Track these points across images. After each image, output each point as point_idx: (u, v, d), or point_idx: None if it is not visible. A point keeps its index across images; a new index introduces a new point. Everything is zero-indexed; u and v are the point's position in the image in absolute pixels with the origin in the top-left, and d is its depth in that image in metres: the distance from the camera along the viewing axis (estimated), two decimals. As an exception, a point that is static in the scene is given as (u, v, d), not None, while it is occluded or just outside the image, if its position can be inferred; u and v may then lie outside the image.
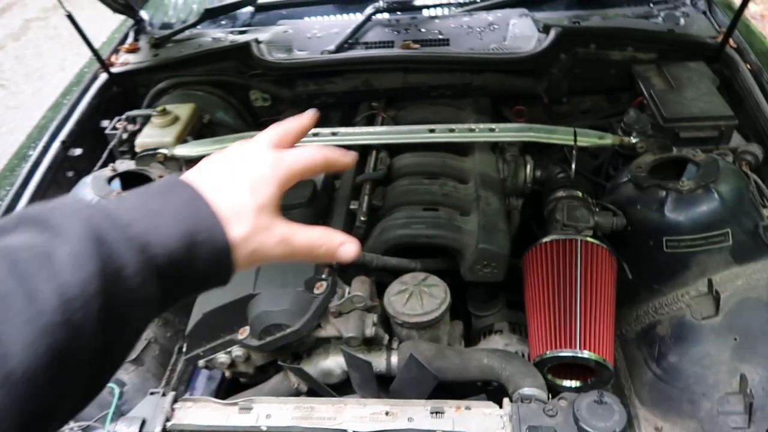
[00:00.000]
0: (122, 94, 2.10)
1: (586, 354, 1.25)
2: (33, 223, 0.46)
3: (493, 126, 1.55)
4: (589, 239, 1.39)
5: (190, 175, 0.57)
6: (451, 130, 1.54)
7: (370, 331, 1.28)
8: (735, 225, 1.39)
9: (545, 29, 1.86)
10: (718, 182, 1.41)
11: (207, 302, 1.38)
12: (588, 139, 1.52)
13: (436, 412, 1.13)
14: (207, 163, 0.60)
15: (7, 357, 0.39)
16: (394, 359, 1.32)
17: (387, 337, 1.32)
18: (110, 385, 1.44)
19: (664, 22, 1.97)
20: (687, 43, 1.86)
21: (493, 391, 1.34)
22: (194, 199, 0.53)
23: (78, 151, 1.83)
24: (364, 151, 1.67)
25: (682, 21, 1.96)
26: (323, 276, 1.33)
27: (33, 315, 0.41)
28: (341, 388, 1.40)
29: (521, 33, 1.89)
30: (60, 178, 1.77)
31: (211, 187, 0.54)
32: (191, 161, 1.75)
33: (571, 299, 1.31)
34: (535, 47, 1.82)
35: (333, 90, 1.88)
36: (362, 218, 1.44)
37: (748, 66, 1.76)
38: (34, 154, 1.75)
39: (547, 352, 1.27)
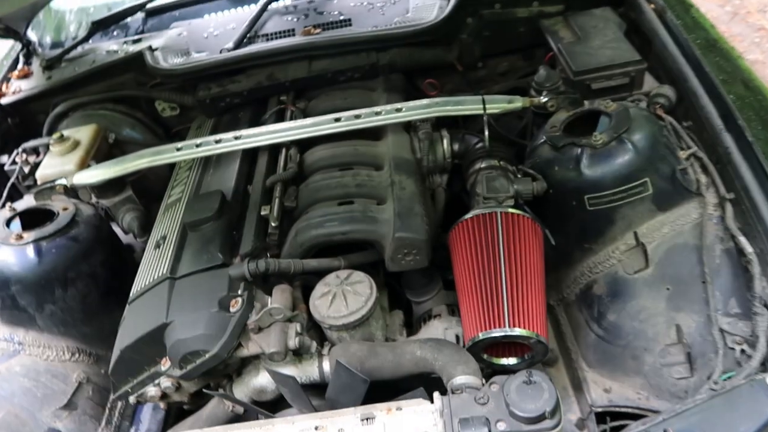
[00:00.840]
0: (20, 124, 1.97)
1: (517, 331, 1.21)
2: None
3: (399, 106, 1.48)
4: (510, 210, 1.35)
5: None
6: (357, 117, 1.48)
7: (293, 342, 1.22)
8: (653, 173, 1.36)
9: (446, -5, 1.79)
10: (630, 131, 1.37)
11: (124, 337, 1.30)
12: (497, 105, 1.47)
13: (367, 419, 1.08)
14: None
15: None
16: (327, 365, 1.27)
17: (314, 344, 1.26)
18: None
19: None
20: (590, -11, 1.81)
21: (438, 380, 1.31)
22: None
23: (-28, 195, 1.71)
24: (274, 150, 1.59)
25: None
26: (238, 292, 1.27)
27: None
28: (282, 402, 1.35)
29: (423, 2, 1.82)
30: (-43, 226, 1.65)
31: None
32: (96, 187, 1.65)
33: (496, 276, 1.26)
34: (437, 15, 1.75)
35: (237, 89, 1.79)
36: (273, 224, 1.37)
37: (652, 6, 1.71)
38: (-76, 206, 1.63)
39: (479, 335, 1.23)
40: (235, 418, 1.32)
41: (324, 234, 1.33)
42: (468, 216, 1.37)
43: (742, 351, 1.21)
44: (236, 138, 1.48)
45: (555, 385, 1.00)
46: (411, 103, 1.49)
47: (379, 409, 1.10)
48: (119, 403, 1.59)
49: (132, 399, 1.36)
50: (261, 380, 1.29)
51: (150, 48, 1.85)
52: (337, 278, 1.31)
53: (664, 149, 1.39)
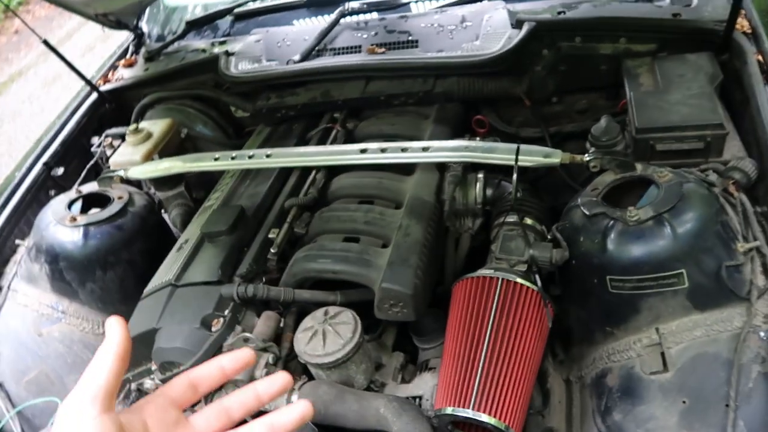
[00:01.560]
0: (116, 110, 2.16)
1: (484, 418, 1.11)
2: None
3: (426, 145, 1.41)
4: (513, 278, 1.23)
5: None
6: (383, 150, 1.42)
7: (260, 373, 1.22)
8: (692, 265, 1.16)
9: (518, 24, 1.66)
10: (675, 212, 1.18)
11: (132, 330, 1.40)
12: (531, 158, 1.33)
13: (299, 472, 1.06)
14: None
15: None
16: (295, 400, 1.26)
17: (285, 378, 1.26)
18: (53, 398, 1.52)
19: (672, 4, 1.68)
20: (688, 30, 1.57)
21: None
22: None
23: (60, 171, 1.92)
24: (306, 171, 1.60)
25: (695, 1, 1.66)
26: (225, 312, 1.29)
27: None
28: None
29: (494, 30, 1.70)
30: (42, 198, 1.86)
31: None
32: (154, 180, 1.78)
33: (476, 349, 1.17)
34: (503, 46, 1.63)
35: (292, 103, 1.81)
36: (272, 249, 1.37)
37: (759, 57, 1.45)
38: (18, 176, 1.86)
39: (447, 408, 1.15)
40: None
41: (315, 269, 1.31)
42: (470, 275, 1.27)
43: (756, 500, 1.01)
44: (267, 156, 1.50)
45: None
46: (439, 143, 1.41)
47: (313, 465, 1.07)
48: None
49: (133, 386, 1.47)
50: (235, 400, 1.32)
51: (227, 52, 1.93)
52: (324, 315, 1.29)
53: (714, 239, 1.18)
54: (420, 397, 1.33)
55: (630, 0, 1.71)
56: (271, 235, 1.41)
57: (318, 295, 1.35)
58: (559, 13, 1.69)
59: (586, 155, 1.33)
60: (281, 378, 0.67)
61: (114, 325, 0.60)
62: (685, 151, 1.38)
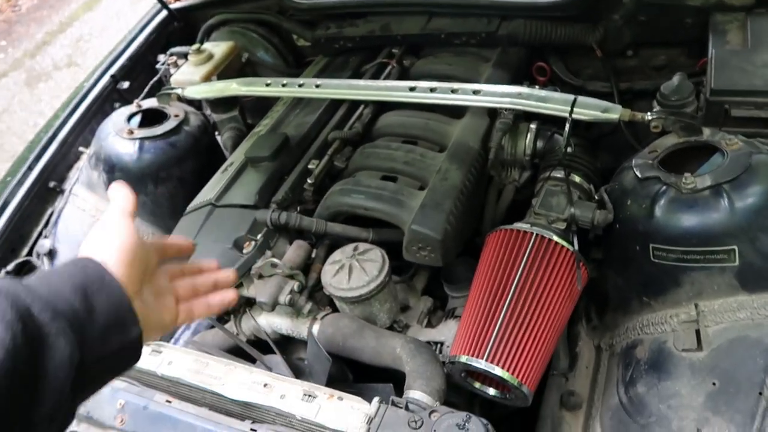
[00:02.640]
0: (184, 28, 2.19)
1: (497, 371, 1.09)
2: None
3: (477, 88, 1.34)
4: (548, 234, 1.18)
5: (82, 252, 0.69)
6: (432, 90, 1.37)
7: (284, 298, 1.25)
8: (746, 242, 1.07)
9: (599, -35, 1.52)
10: (736, 184, 1.08)
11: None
12: (587, 111, 1.25)
13: (308, 396, 1.09)
14: (88, 240, 0.71)
15: None
16: (316, 329, 1.29)
17: (309, 306, 1.28)
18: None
19: (782, -47, 1.49)
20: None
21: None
22: (85, 264, 0.65)
23: (126, 84, 1.98)
24: (354, 104, 1.57)
25: (808, -48, 1.46)
26: (257, 236, 1.32)
27: None
28: (284, 343, 1.42)
29: (572, -29, 1.57)
30: (107, 109, 1.94)
31: (97, 255, 0.67)
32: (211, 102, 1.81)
33: (499, 302, 1.14)
34: (577, -10, 1.51)
35: (350, 34, 1.76)
36: (309, 180, 1.37)
37: None
38: (86, 87, 1.93)
39: (461, 357, 1.13)
40: (238, 348, 1.42)
41: (348, 204, 1.31)
42: (505, 227, 1.23)
43: (777, 493, 0.96)
44: (316, 86, 1.49)
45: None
46: (492, 88, 1.34)
47: (322, 392, 1.10)
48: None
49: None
50: (261, 321, 1.36)
51: (293, -22, 1.89)
52: (353, 250, 1.30)
53: (777, 217, 1.08)
54: (441, 344, 1.33)
55: (731, -54, 1.52)
56: (310, 166, 1.41)
57: (350, 230, 1.35)
58: (646, -46, 1.54)
59: (649, 114, 1.23)
60: (232, 273, 0.86)
61: (116, 188, 0.75)
62: (764, 119, 1.25)
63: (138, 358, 0.69)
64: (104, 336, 0.63)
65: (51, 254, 1.73)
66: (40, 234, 1.76)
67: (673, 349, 1.16)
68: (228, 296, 0.83)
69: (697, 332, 1.11)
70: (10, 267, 1.67)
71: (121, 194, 0.75)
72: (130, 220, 0.72)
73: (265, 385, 1.13)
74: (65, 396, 0.58)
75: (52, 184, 1.80)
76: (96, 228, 0.72)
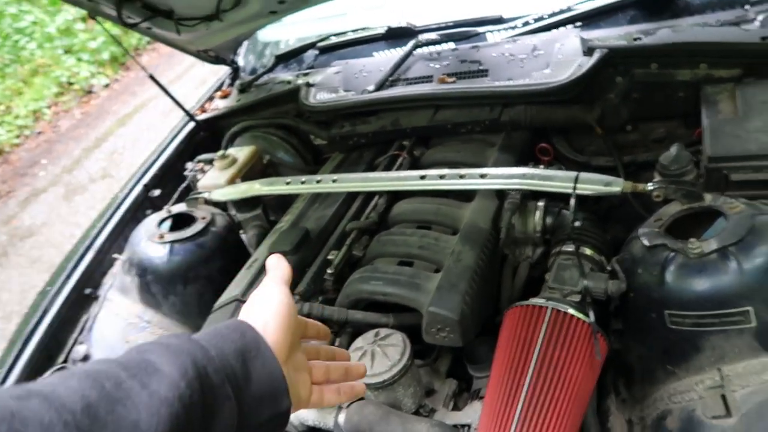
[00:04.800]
0: (210, 137, 2.35)
1: (524, 451, 1.09)
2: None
3: (484, 172, 1.42)
4: (565, 308, 1.20)
5: (242, 315, 0.74)
6: (442, 177, 1.45)
7: (310, 388, 1.27)
8: (760, 302, 1.08)
9: (589, 51, 1.63)
10: (742, 246, 1.11)
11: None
12: (590, 186, 1.30)
13: (336, 486, 1.09)
14: (248, 304, 0.76)
15: (139, 423, 0.53)
16: (342, 419, 1.30)
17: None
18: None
19: (762, 27, 1.58)
20: (775, 54, 1.48)
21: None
22: (244, 329, 0.68)
23: (157, 192, 2.12)
24: (369, 196, 1.66)
25: (788, 23, 1.56)
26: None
27: (152, 393, 0.55)
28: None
29: (565, 58, 1.68)
30: (140, 216, 2.06)
31: (254, 320, 0.71)
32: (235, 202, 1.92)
33: (520, 380, 1.15)
34: (572, 74, 1.61)
35: (364, 131, 1.88)
36: (329, 270, 1.43)
37: None
38: (120, 196, 2.07)
39: (488, 438, 1.13)
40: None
41: (367, 291, 1.35)
42: (521, 303, 1.26)
43: None
44: (333, 181, 1.58)
45: None
46: (497, 171, 1.41)
47: (351, 481, 1.10)
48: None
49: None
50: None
51: (308, 83, 2.05)
52: (374, 336, 1.33)
53: (787, 275, 1.09)
54: (468, 426, 1.32)
55: (713, 24, 1.63)
56: (330, 257, 1.47)
57: (370, 317, 1.38)
58: (635, 39, 1.65)
59: (650, 184, 1.28)
60: (362, 366, 0.89)
61: (275, 257, 0.82)
62: (763, 181, 1.29)
63: (284, 429, 0.71)
64: (258, 405, 0.64)
65: (85, 360, 1.79)
66: (75, 340, 1.83)
67: (702, 417, 1.13)
68: (358, 388, 0.85)
69: (723, 397, 1.09)
70: (46, 375, 1.73)
71: (279, 264, 0.80)
72: (286, 288, 0.76)
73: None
74: None
75: (87, 291, 1.89)
76: (255, 294, 0.76)
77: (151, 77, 2.11)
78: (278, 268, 0.80)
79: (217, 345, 0.64)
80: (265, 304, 0.73)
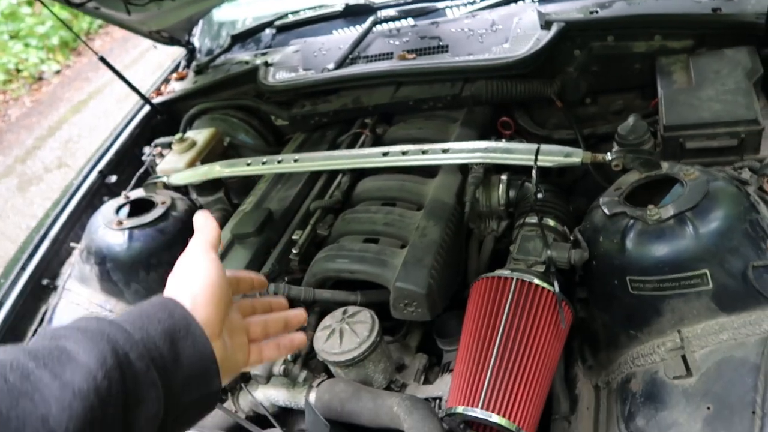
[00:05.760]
0: (168, 121, 2.29)
1: (495, 418, 1.10)
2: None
3: (446, 147, 1.42)
4: (534, 280, 1.21)
5: (169, 290, 0.69)
6: (404, 153, 1.44)
7: (278, 369, 1.26)
8: (716, 265, 1.11)
9: (546, 25, 1.64)
10: (698, 210, 1.13)
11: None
12: (551, 157, 1.32)
13: (308, 465, 1.09)
14: (175, 276, 0.71)
15: (48, 418, 0.48)
16: (313, 397, 1.29)
17: (304, 374, 1.29)
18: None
19: (713, -1, 1.62)
20: (728, 25, 1.51)
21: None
22: (171, 308, 0.64)
23: (113, 179, 2.05)
24: (333, 174, 1.64)
25: (738, -6, 1.59)
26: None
27: (64, 384, 0.50)
28: (284, 415, 1.42)
29: (523, 32, 1.69)
30: (96, 203, 2.00)
31: (182, 295, 0.66)
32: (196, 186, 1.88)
33: (488, 349, 1.16)
34: (530, 48, 1.61)
35: (325, 110, 1.86)
36: (294, 250, 1.41)
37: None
38: (75, 183, 2.00)
39: (458, 408, 1.14)
40: (238, 426, 1.42)
41: (333, 269, 1.34)
42: (486, 275, 1.27)
43: None
44: (295, 161, 1.56)
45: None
46: (459, 145, 1.42)
47: (321, 459, 1.10)
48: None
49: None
50: (258, 395, 1.37)
51: (266, 63, 2.01)
52: (342, 314, 1.32)
53: (740, 238, 1.12)
54: (440, 398, 1.33)
55: (666, -4, 1.65)
56: (295, 237, 1.46)
57: (338, 295, 1.38)
58: (592, 12, 1.66)
59: (609, 154, 1.30)
60: (301, 312, 0.85)
61: (201, 215, 0.76)
62: (717, 149, 1.33)
63: (213, 409, 0.67)
64: (186, 386, 0.61)
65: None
66: (35, 332, 1.77)
67: (664, 378, 1.17)
68: (297, 339, 0.81)
69: (684, 358, 1.12)
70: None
71: (206, 225, 0.74)
72: (214, 254, 0.71)
73: (266, 459, 1.13)
74: None
75: (45, 281, 1.83)
76: (180, 263, 0.71)
77: (102, 59, 2.03)
78: (204, 230, 0.73)
79: (143, 327, 0.59)
80: (193, 275, 0.68)
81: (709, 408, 1.09)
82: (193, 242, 0.72)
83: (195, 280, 0.67)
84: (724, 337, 1.12)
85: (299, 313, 0.83)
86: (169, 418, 0.59)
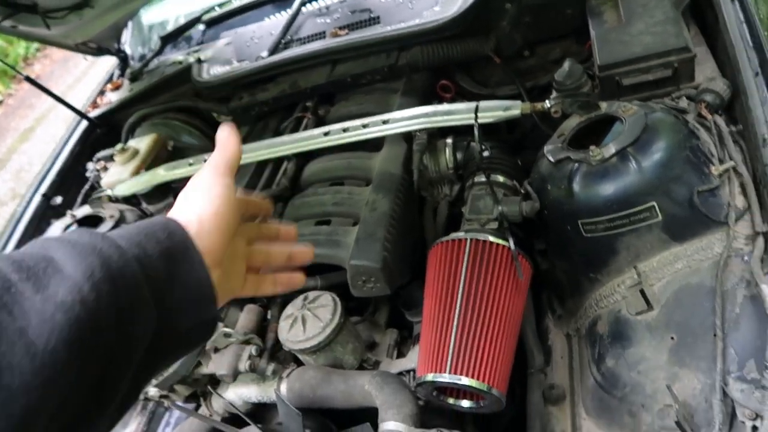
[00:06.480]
0: (109, 134, 2.22)
1: (464, 381, 1.09)
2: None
3: (386, 117, 1.39)
4: (489, 238, 1.20)
5: (177, 209, 0.64)
6: (345, 130, 1.41)
7: (244, 365, 1.24)
8: (662, 196, 1.11)
9: (474, -18, 1.62)
10: (639, 145, 1.13)
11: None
12: (491, 113, 1.30)
13: (284, 456, 1.07)
14: (185, 195, 0.66)
15: (27, 330, 0.44)
16: (284, 388, 1.27)
17: (271, 367, 1.27)
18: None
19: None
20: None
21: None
22: (173, 229, 0.59)
23: (59, 200, 1.98)
24: (279, 162, 1.61)
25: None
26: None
27: (47, 297, 0.46)
28: (260, 411, 1.39)
29: (452, -8, 1.66)
30: (44, 227, 1.93)
31: (188, 217, 0.62)
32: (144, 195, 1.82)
33: (449, 313, 1.15)
34: (461, 6, 1.59)
35: (264, 98, 1.82)
36: (247, 244, 1.38)
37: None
38: (18, 211, 1.93)
39: (427, 376, 1.13)
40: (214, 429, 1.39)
41: (287, 256, 1.31)
42: (441, 239, 1.25)
43: (754, 428, 0.96)
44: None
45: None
46: (398, 114, 1.39)
47: (295, 447, 1.08)
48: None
49: (141, 396, 1.50)
50: (230, 395, 1.34)
51: (199, 60, 1.96)
52: (303, 300, 1.30)
53: (683, 166, 1.12)
54: (413, 370, 1.32)
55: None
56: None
57: (297, 282, 1.35)
58: (518, -37, 1.64)
59: (547, 101, 1.29)
60: (309, 248, 0.79)
61: (225, 129, 0.71)
62: (653, 82, 1.32)
63: (208, 339, 0.65)
64: (181, 312, 0.58)
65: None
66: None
67: (627, 315, 1.17)
68: (296, 278, 0.78)
69: (642, 293, 1.13)
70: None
71: (228, 142, 0.68)
72: (226, 179, 0.66)
73: (238, 457, 1.11)
74: (136, 374, 0.54)
75: None
76: (193, 181, 0.67)
77: (28, 78, 1.96)
78: (225, 147, 0.68)
79: (141, 243, 0.56)
80: (203, 198, 0.64)
81: (673, 338, 1.10)
82: (210, 160, 0.68)
83: (205, 203, 0.63)
84: (679, 266, 1.13)
85: (305, 250, 0.78)
86: (164, 340, 0.57)
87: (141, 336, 0.53)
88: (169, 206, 1.81)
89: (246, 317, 1.32)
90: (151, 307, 0.54)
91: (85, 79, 6.48)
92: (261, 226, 0.77)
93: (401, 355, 1.41)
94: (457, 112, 1.33)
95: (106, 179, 1.88)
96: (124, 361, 0.52)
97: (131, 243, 0.55)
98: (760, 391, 0.96)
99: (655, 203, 1.11)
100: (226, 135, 0.70)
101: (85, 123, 2.18)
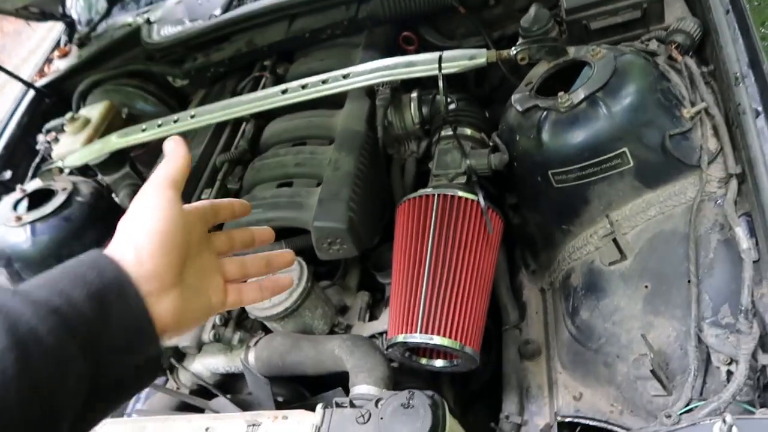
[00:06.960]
0: (59, 103, 2.10)
1: (436, 340, 1.06)
2: None
3: (345, 72, 1.32)
4: (458, 192, 1.15)
5: (114, 240, 0.58)
6: (304, 87, 1.34)
7: (208, 335, 1.19)
8: (634, 141, 1.07)
9: (432, -72, 1.53)
10: (608, 89, 1.08)
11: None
12: (456, 63, 1.24)
13: (252, 425, 1.03)
14: (122, 222, 0.60)
15: None
16: (251, 358, 1.23)
17: (237, 336, 1.22)
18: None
19: None
20: None
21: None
22: (103, 267, 0.53)
23: (8, 174, 1.88)
24: (237, 124, 1.53)
25: None
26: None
27: None
28: (230, 382, 1.35)
29: (411, -61, 1.57)
30: (-6, 204, 1.83)
31: (124, 248, 0.56)
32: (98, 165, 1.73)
33: (419, 272, 1.10)
34: (421, -45, 1.51)
35: (219, 58, 1.72)
36: (206, 209, 1.31)
37: None
38: (-35, 188, 1.82)
39: (398, 337, 1.09)
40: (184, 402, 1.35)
41: (247, 222, 1.25)
42: (409, 196, 1.20)
43: (729, 373, 0.95)
44: (191, 116, 1.43)
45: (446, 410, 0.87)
46: (358, 68, 1.32)
47: (266, 416, 1.05)
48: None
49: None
50: (197, 367, 1.29)
51: (148, 21, 1.85)
52: (267, 267, 1.24)
53: (654, 110, 1.08)
54: (385, 333, 1.28)
55: None
56: (204, 196, 1.36)
57: (260, 248, 1.29)
58: None
59: (513, 48, 1.23)
60: (287, 252, 0.74)
61: (172, 141, 0.65)
62: (622, 24, 1.28)
63: (156, 378, 0.60)
64: (119, 356, 0.53)
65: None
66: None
67: (601, 266, 1.15)
68: (282, 281, 0.73)
69: (616, 242, 1.10)
70: None
71: (174, 155, 0.63)
72: (171, 192, 0.60)
73: (206, 429, 1.07)
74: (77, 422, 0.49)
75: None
76: (132, 204, 0.61)
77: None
78: (170, 161, 0.63)
79: (64, 290, 0.51)
80: (140, 221, 0.58)
81: (647, 286, 1.07)
82: (154, 175, 0.62)
83: (141, 227, 0.57)
84: (652, 212, 1.10)
85: (284, 253, 0.73)
86: (103, 389, 0.52)
87: (71, 397, 0.49)
88: (127, 176, 1.74)
89: (208, 286, 1.26)
90: (80, 362, 0.49)
91: (39, 52, 6.18)
92: (232, 233, 0.71)
93: (373, 317, 1.37)
94: (420, 63, 1.26)
95: (57, 150, 1.78)
96: (59, 414, 0.47)
97: (52, 292, 0.50)
98: (735, 335, 0.94)
99: (626, 149, 1.07)
100: (172, 146, 0.64)
101: (32, 93, 2.06)
